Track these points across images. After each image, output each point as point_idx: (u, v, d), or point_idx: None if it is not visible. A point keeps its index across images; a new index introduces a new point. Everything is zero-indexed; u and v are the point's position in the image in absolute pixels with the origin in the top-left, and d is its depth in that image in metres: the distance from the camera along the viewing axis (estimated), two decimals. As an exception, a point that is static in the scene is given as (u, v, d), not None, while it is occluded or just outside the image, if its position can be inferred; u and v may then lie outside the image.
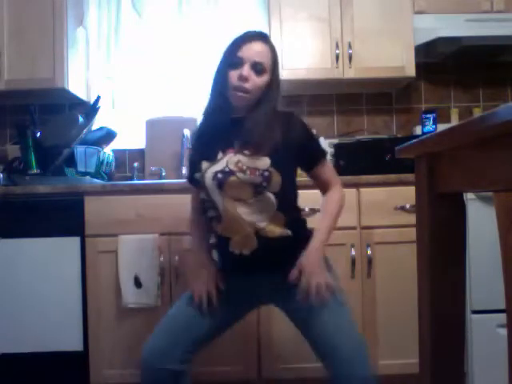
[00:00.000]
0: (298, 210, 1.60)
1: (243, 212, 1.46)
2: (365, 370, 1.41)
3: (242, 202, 1.46)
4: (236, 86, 1.47)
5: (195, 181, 1.56)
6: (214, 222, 1.53)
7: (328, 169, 1.63)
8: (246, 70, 1.46)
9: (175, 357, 1.46)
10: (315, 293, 1.42)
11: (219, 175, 1.47)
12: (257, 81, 1.48)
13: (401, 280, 2.18)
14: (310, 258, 1.46)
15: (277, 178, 1.46)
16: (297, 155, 1.52)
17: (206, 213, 1.56)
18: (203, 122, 1.61)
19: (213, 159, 1.50)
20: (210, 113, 1.56)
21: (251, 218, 1.46)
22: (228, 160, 1.48)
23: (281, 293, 1.52)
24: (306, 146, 1.55)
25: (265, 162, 1.45)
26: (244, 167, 1.45)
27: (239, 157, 1.47)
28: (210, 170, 1.49)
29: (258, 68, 1.47)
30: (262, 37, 1.52)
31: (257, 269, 1.50)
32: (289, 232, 1.49)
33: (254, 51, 1.48)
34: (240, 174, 1.45)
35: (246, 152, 1.47)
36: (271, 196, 1.47)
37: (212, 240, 1.63)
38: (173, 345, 1.47)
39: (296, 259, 1.47)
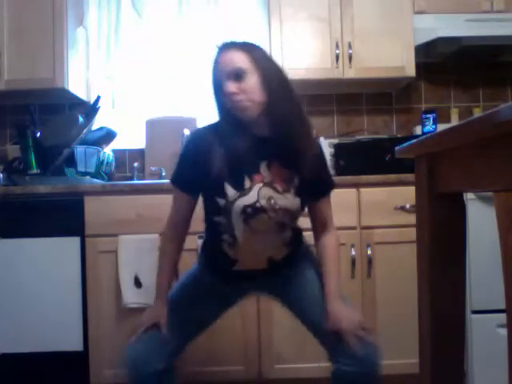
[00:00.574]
0: (298, 229, 1.58)
1: (260, 241, 1.46)
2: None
3: (261, 233, 1.44)
4: (230, 104, 1.38)
5: (194, 189, 1.48)
6: (225, 244, 1.47)
7: (329, 206, 1.56)
8: (226, 85, 1.37)
9: (160, 356, 1.43)
10: (357, 337, 1.44)
11: (249, 210, 1.39)
12: (243, 86, 1.36)
13: (401, 280, 2.18)
14: (336, 309, 1.44)
15: (300, 215, 1.50)
16: (310, 186, 1.46)
17: (216, 234, 1.49)
18: (214, 132, 1.45)
19: (239, 186, 1.40)
20: (222, 126, 1.45)
21: (267, 248, 1.48)
22: (259, 193, 1.40)
23: (273, 285, 1.57)
24: (319, 176, 1.48)
25: (296, 203, 1.43)
26: (277, 206, 1.40)
27: (270, 192, 1.40)
28: (239, 202, 1.39)
29: (236, 75, 1.37)
30: (230, 44, 1.42)
31: (253, 279, 1.53)
32: (292, 248, 1.53)
33: (224, 63, 1.39)
34: (272, 214, 1.41)
35: (278, 187, 1.41)
36: (290, 230, 1.50)
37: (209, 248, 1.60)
38: (156, 344, 1.44)
39: (291, 262, 1.54)
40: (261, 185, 1.41)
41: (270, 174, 1.42)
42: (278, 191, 1.41)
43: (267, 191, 1.41)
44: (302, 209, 1.47)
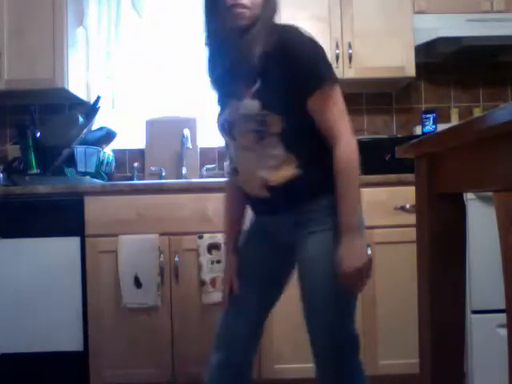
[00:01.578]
0: (315, 148, 1.35)
1: (248, 157, 1.37)
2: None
3: (250, 149, 1.35)
4: (232, 4, 1.28)
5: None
6: (234, 174, 1.46)
7: (328, 107, 1.31)
8: None
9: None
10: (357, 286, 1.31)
11: (225, 125, 1.39)
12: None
13: (401, 280, 2.18)
14: (339, 251, 1.27)
15: (273, 120, 1.29)
16: (283, 85, 1.29)
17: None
18: (208, 53, 1.42)
19: (221, 103, 1.43)
20: (210, 42, 1.40)
21: (260, 168, 1.35)
22: (231, 106, 1.37)
23: (293, 236, 1.40)
24: (299, 73, 1.28)
25: (254, 106, 1.30)
26: (239, 115, 1.33)
27: (235, 102, 1.35)
28: (220, 119, 1.42)
29: None
30: None
31: (276, 210, 1.39)
32: (299, 172, 1.34)
33: None
34: (240, 124, 1.34)
35: (239, 95, 1.34)
36: (274, 139, 1.32)
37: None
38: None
39: (312, 197, 1.35)
40: (235, 99, 1.36)
41: (239, 84, 1.35)
42: (239, 99, 1.33)
43: (235, 102, 1.35)
44: (274, 111, 1.29)
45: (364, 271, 1.28)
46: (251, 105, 1.30)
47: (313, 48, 1.30)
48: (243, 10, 1.29)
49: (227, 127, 1.39)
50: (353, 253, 1.27)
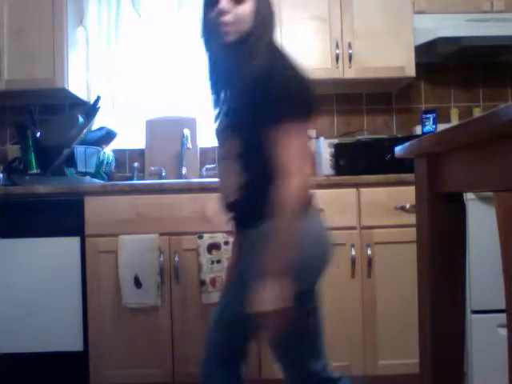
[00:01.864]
0: (265, 172, 1.28)
1: (224, 168, 1.40)
2: None
3: (225, 160, 1.39)
4: (218, 22, 1.30)
5: None
6: None
7: (282, 145, 1.23)
8: (222, 2, 1.29)
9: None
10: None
11: (215, 132, 1.44)
12: (239, 10, 1.29)
13: (401, 280, 2.18)
14: (254, 294, 1.21)
15: (235, 141, 1.31)
16: (253, 111, 1.26)
17: None
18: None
19: (215, 109, 1.46)
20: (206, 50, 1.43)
21: (227, 178, 1.38)
22: (220, 115, 1.42)
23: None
24: (261, 99, 1.24)
25: (223, 125, 1.37)
26: (219, 129, 1.41)
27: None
28: (215, 124, 1.45)
29: None
30: None
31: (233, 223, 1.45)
32: (244, 194, 1.33)
33: None
34: (221, 134, 1.40)
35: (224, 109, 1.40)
36: (233, 162, 1.33)
37: None
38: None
39: (252, 224, 1.32)
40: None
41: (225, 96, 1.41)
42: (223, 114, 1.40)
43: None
44: (236, 132, 1.30)
45: (272, 319, 1.21)
46: (223, 121, 1.37)
47: (287, 81, 1.26)
48: (228, 28, 1.30)
49: (216, 134, 1.44)
50: (261, 296, 1.20)
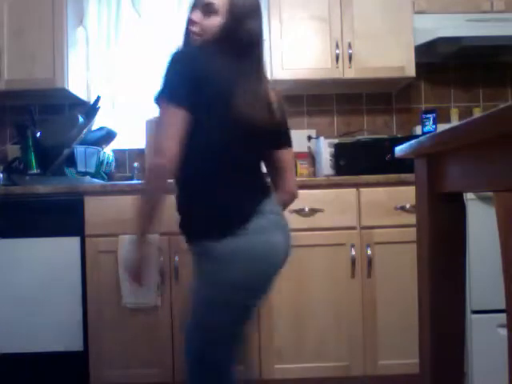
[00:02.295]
0: (189, 187, 1.44)
1: None
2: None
3: None
4: (189, 32, 1.46)
5: None
6: None
7: (156, 125, 1.47)
8: (194, 13, 1.45)
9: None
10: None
11: None
12: (204, 22, 1.43)
13: (401, 280, 2.18)
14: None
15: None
16: None
17: None
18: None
19: None
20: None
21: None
22: None
23: None
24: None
25: None
26: None
27: None
28: None
29: (207, 9, 1.43)
30: None
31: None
32: (180, 213, 1.50)
33: None
34: None
35: None
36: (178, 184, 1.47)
37: None
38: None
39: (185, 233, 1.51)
40: None
41: None
42: None
43: None
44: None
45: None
46: None
47: (171, 65, 1.37)
48: (196, 37, 1.44)
49: None
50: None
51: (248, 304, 1.42)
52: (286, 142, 1.58)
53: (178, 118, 1.32)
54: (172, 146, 1.31)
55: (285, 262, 1.43)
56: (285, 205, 1.58)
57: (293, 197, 1.61)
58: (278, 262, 1.41)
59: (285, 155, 1.56)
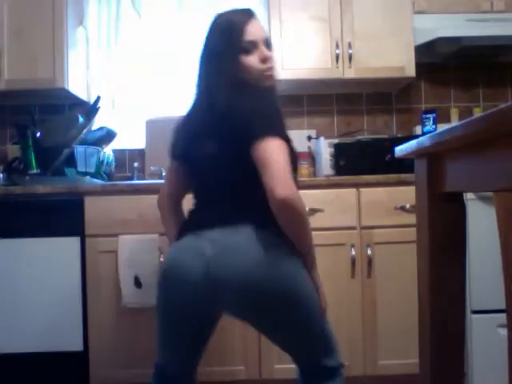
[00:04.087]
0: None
1: None
2: None
3: None
4: (263, 69, 1.41)
5: None
6: None
7: None
8: (265, 50, 1.41)
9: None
10: None
11: None
12: (273, 55, 1.44)
13: (401, 280, 2.18)
14: None
15: None
16: None
17: None
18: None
19: None
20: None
21: None
22: None
23: None
24: None
25: None
26: None
27: None
28: None
29: (268, 43, 1.44)
30: (252, 12, 1.47)
31: None
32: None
33: (258, 30, 1.42)
34: None
35: None
36: None
37: None
38: None
39: None
40: None
41: None
42: None
43: None
44: None
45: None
46: None
47: (272, 102, 1.37)
48: (273, 73, 1.44)
49: None
50: None
51: (162, 324, 1.54)
52: (255, 135, 1.27)
53: (286, 153, 1.29)
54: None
55: (202, 289, 1.36)
56: (280, 219, 1.27)
57: (281, 203, 1.21)
58: (178, 281, 1.43)
59: (256, 152, 1.26)
